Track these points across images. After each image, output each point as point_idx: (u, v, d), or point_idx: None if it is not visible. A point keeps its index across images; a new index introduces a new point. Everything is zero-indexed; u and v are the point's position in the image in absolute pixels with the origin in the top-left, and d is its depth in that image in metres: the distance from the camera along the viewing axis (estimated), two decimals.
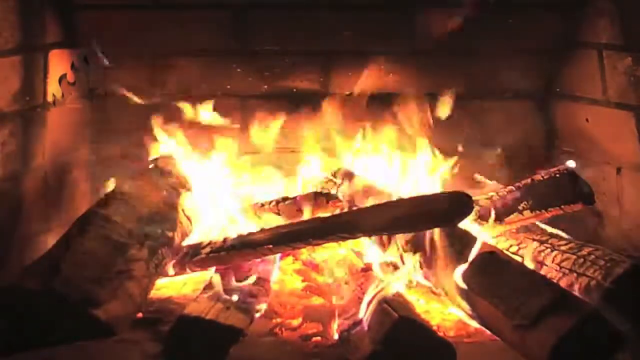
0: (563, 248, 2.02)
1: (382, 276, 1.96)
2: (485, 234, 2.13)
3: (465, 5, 2.27)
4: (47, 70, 2.28)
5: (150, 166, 2.24)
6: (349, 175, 2.37)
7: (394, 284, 1.87)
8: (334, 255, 2.20)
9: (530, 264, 2.01)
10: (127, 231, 1.90)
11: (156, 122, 2.39)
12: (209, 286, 1.87)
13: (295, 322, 1.92)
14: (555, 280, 1.91)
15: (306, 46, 2.52)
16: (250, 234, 2.02)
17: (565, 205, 2.11)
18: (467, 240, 1.86)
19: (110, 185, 2.22)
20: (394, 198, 2.13)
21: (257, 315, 1.86)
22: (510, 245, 2.14)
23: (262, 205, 2.27)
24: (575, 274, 1.92)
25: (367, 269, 2.03)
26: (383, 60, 2.51)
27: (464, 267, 1.79)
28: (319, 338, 1.84)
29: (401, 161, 2.49)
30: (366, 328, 1.68)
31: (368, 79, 2.49)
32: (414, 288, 2.07)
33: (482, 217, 2.16)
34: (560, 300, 1.63)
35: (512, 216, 2.15)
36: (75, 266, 1.73)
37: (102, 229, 1.87)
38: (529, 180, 2.19)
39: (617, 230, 2.30)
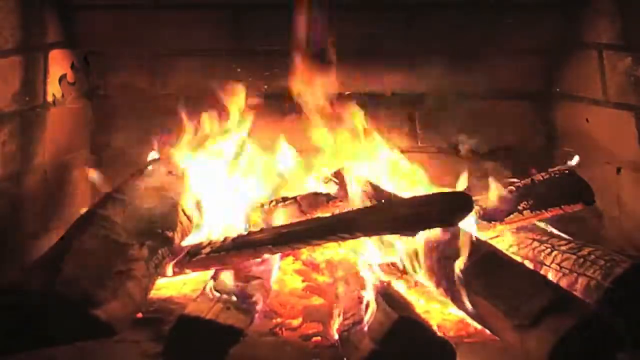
0: (563, 248, 2.02)
1: (382, 276, 1.96)
2: (485, 234, 2.13)
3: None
4: (47, 70, 2.28)
5: (150, 166, 2.24)
6: (349, 176, 2.37)
7: (394, 284, 1.88)
8: (334, 255, 2.20)
9: (530, 264, 2.02)
10: (127, 231, 1.89)
11: (157, 123, 2.39)
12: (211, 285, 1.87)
13: (295, 322, 1.92)
14: (555, 280, 1.91)
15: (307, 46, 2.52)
16: (250, 233, 2.02)
17: (565, 205, 2.11)
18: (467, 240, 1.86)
19: (111, 185, 2.22)
20: (394, 198, 2.13)
21: (257, 315, 1.85)
22: (510, 245, 2.14)
23: (262, 205, 2.27)
24: (575, 274, 1.92)
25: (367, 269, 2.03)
26: (382, 61, 2.51)
27: (464, 267, 1.79)
28: (319, 338, 1.84)
29: (401, 161, 2.49)
30: (366, 328, 1.68)
31: (368, 79, 2.49)
32: (414, 288, 2.07)
33: (483, 217, 2.16)
34: (560, 300, 1.63)
35: (512, 216, 2.15)
36: (75, 266, 1.72)
37: (102, 229, 1.87)
38: (529, 180, 2.19)
39: (617, 230, 2.30)
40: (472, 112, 2.60)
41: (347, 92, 2.53)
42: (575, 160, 2.18)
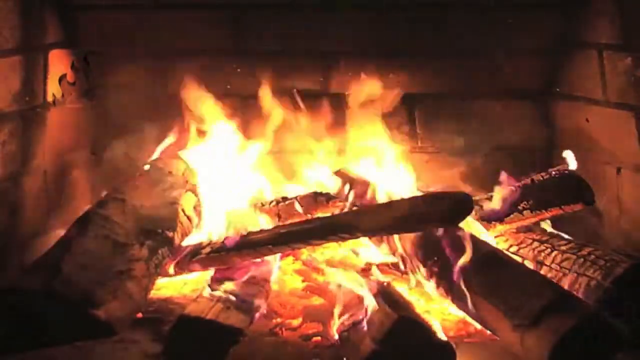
0: (563, 248, 2.02)
1: (382, 276, 1.96)
2: (485, 234, 2.13)
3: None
4: (47, 70, 2.28)
5: (151, 166, 2.24)
6: (349, 176, 2.37)
7: (394, 284, 1.88)
8: (334, 255, 2.21)
9: (530, 264, 2.02)
10: (127, 231, 1.89)
11: (156, 123, 2.39)
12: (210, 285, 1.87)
13: (295, 322, 1.92)
14: (555, 280, 1.91)
15: (306, 46, 2.52)
16: (250, 233, 2.02)
17: (565, 205, 2.11)
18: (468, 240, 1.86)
19: (111, 185, 2.22)
20: (394, 198, 2.13)
21: (257, 315, 1.85)
22: (510, 245, 2.14)
23: (262, 205, 2.27)
24: (575, 274, 1.92)
25: (367, 269, 2.03)
26: (383, 61, 2.51)
27: (464, 267, 1.79)
28: (319, 338, 1.84)
29: (401, 161, 2.49)
30: (366, 328, 1.68)
31: (368, 79, 2.49)
32: (414, 288, 2.07)
33: (483, 217, 2.16)
34: (560, 300, 1.63)
35: (512, 216, 2.15)
36: (75, 266, 1.73)
37: (102, 229, 1.87)
38: (529, 180, 2.19)
39: (617, 230, 2.30)
40: (472, 112, 2.60)
41: (346, 92, 2.53)
42: (570, 158, 2.18)
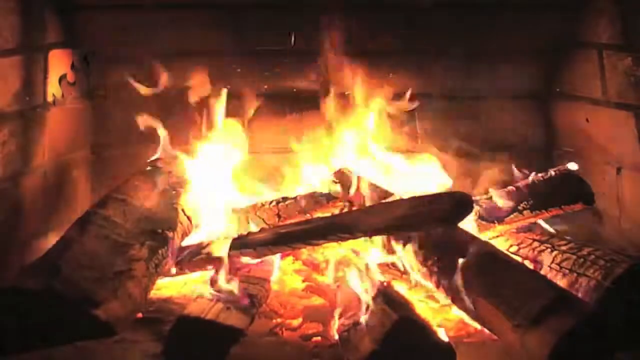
0: (563, 248, 2.02)
1: (381, 276, 1.96)
2: (485, 234, 2.13)
3: None
4: (47, 70, 2.28)
5: (150, 166, 2.24)
6: (349, 175, 2.37)
7: (395, 284, 1.88)
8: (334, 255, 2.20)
9: (530, 265, 2.02)
10: (127, 231, 1.90)
11: (156, 123, 2.39)
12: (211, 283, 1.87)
13: (295, 322, 1.92)
14: (555, 280, 1.91)
15: (306, 46, 2.52)
16: (250, 234, 2.02)
17: (565, 205, 2.11)
18: (467, 240, 1.86)
19: (110, 185, 2.22)
20: (394, 198, 2.13)
21: (257, 315, 1.85)
22: (510, 245, 2.14)
23: (262, 205, 2.27)
24: (575, 274, 1.92)
25: (367, 269, 2.03)
26: (383, 60, 2.51)
27: (464, 267, 1.79)
28: (319, 338, 1.84)
29: (401, 161, 2.49)
30: (366, 328, 1.68)
31: (368, 79, 2.49)
32: (414, 288, 2.07)
33: (483, 217, 2.16)
34: (560, 300, 1.63)
35: (512, 216, 2.15)
36: (75, 266, 1.73)
37: (102, 229, 1.87)
38: (529, 180, 2.19)
39: (617, 230, 2.30)
40: (472, 112, 2.60)
41: (347, 92, 2.53)
42: (573, 166, 2.19)
